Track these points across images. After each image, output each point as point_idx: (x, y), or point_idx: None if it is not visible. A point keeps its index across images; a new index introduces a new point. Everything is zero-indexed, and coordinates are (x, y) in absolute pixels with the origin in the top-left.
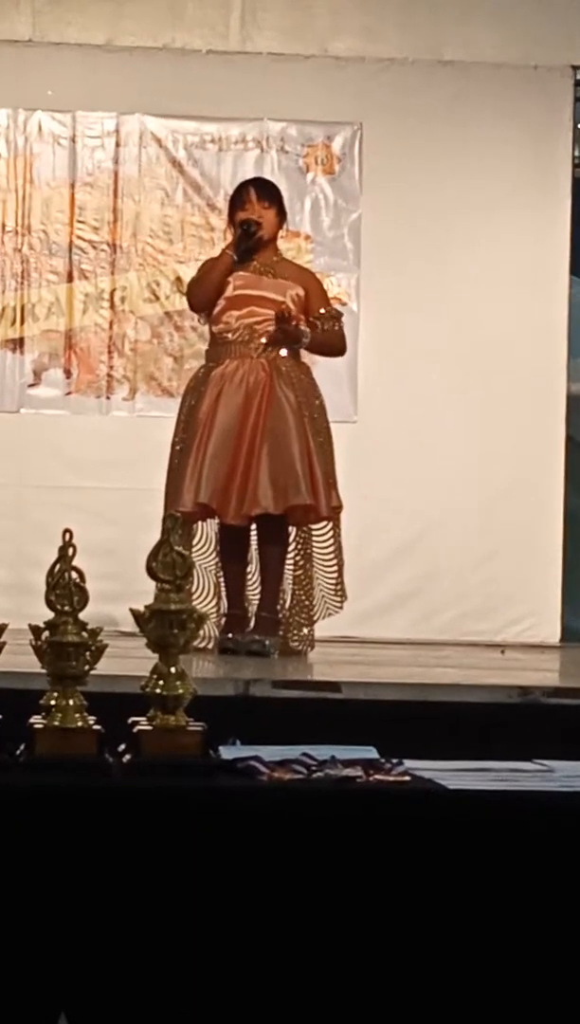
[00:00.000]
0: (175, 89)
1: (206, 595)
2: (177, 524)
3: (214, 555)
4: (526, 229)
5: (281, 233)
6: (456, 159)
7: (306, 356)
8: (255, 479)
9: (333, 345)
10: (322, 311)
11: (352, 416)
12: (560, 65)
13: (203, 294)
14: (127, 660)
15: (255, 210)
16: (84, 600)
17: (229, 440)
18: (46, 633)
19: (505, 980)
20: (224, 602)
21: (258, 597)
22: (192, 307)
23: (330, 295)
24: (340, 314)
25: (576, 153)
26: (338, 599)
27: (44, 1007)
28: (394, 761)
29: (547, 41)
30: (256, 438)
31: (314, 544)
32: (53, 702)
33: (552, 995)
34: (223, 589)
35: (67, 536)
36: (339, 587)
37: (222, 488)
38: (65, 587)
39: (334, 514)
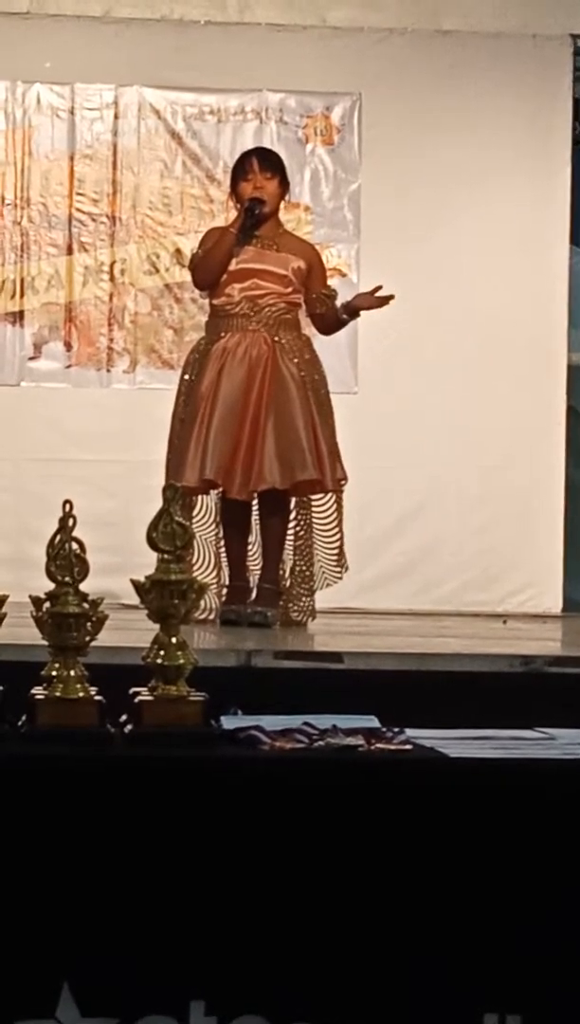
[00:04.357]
0: (173, 60)
1: (207, 566)
2: (177, 494)
3: (215, 526)
4: (526, 199)
5: (283, 204)
6: (455, 129)
7: (306, 328)
8: (261, 455)
9: (329, 325)
10: (322, 291)
11: (353, 387)
12: (559, 34)
13: (209, 274)
14: (129, 632)
15: (258, 181)
16: (85, 571)
17: (233, 415)
18: (47, 604)
19: (507, 945)
20: (225, 573)
21: (259, 568)
22: (197, 285)
23: (330, 266)
24: (336, 294)
25: (575, 122)
26: (338, 569)
27: (47, 977)
28: (395, 730)
29: (546, 10)
30: (260, 413)
31: (315, 515)
32: (54, 673)
33: (553, 958)
34: (224, 560)
35: (67, 507)
36: (340, 557)
37: (227, 464)
38: (66, 558)
39: (339, 487)
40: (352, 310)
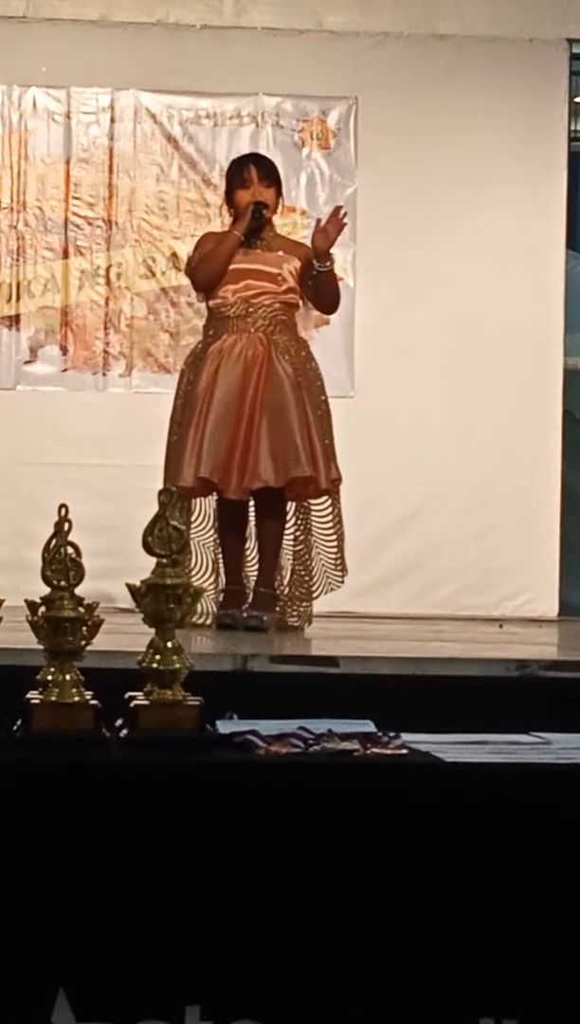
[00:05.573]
0: (169, 64)
1: (204, 571)
2: (173, 498)
3: (212, 531)
4: (522, 203)
5: (277, 209)
6: (452, 133)
7: (302, 331)
8: (255, 453)
9: (324, 293)
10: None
11: (349, 391)
12: (555, 38)
13: (211, 275)
14: (125, 636)
15: (258, 191)
16: (80, 575)
17: (228, 414)
18: (43, 608)
19: (503, 949)
20: (222, 578)
21: (256, 572)
22: (197, 287)
23: None
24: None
25: (571, 127)
26: (339, 573)
27: (43, 983)
28: (391, 734)
29: (542, 14)
30: (255, 412)
31: (313, 518)
32: (50, 677)
33: (549, 962)
34: (221, 565)
35: (63, 511)
36: (340, 561)
37: (222, 462)
38: (61, 562)
39: (334, 486)
40: (319, 253)
